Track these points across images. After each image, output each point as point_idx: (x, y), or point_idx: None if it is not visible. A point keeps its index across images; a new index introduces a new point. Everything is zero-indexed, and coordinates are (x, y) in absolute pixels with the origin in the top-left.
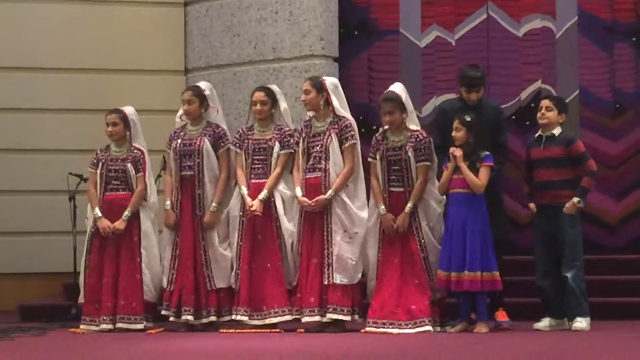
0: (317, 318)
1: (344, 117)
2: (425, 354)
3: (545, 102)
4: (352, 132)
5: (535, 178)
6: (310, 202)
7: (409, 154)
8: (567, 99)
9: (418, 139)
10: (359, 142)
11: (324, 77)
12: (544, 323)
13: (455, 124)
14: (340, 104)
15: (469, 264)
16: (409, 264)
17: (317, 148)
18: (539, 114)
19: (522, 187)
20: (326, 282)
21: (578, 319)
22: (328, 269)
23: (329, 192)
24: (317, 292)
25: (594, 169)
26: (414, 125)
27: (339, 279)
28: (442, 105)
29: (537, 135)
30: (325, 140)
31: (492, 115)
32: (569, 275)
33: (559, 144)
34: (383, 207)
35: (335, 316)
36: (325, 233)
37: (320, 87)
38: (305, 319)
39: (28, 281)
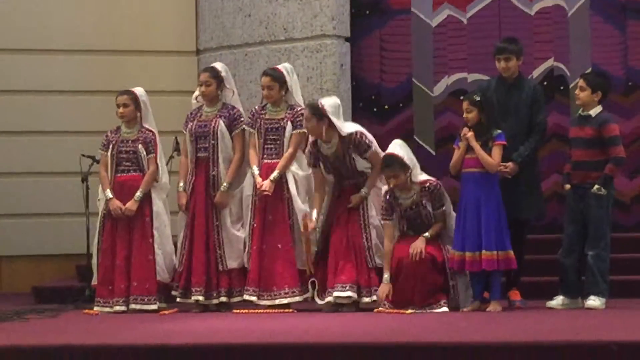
0: (349, 294)
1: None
2: (438, 332)
3: (579, 81)
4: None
5: (571, 157)
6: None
7: (428, 208)
8: (578, 77)
9: (430, 190)
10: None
11: (322, 102)
12: (557, 301)
13: (465, 105)
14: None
15: (485, 243)
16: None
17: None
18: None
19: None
20: (370, 266)
21: (592, 297)
22: (369, 252)
23: (364, 190)
24: (351, 271)
25: (621, 155)
26: (420, 177)
27: (379, 261)
28: (480, 84)
29: (577, 114)
30: (348, 162)
31: (530, 94)
32: (590, 253)
33: (593, 124)
34: (387, 275)
35: (375, 298)
36: (362, 217)
37: (320, 115)
38: (336, 294)
39: (41, 263)
